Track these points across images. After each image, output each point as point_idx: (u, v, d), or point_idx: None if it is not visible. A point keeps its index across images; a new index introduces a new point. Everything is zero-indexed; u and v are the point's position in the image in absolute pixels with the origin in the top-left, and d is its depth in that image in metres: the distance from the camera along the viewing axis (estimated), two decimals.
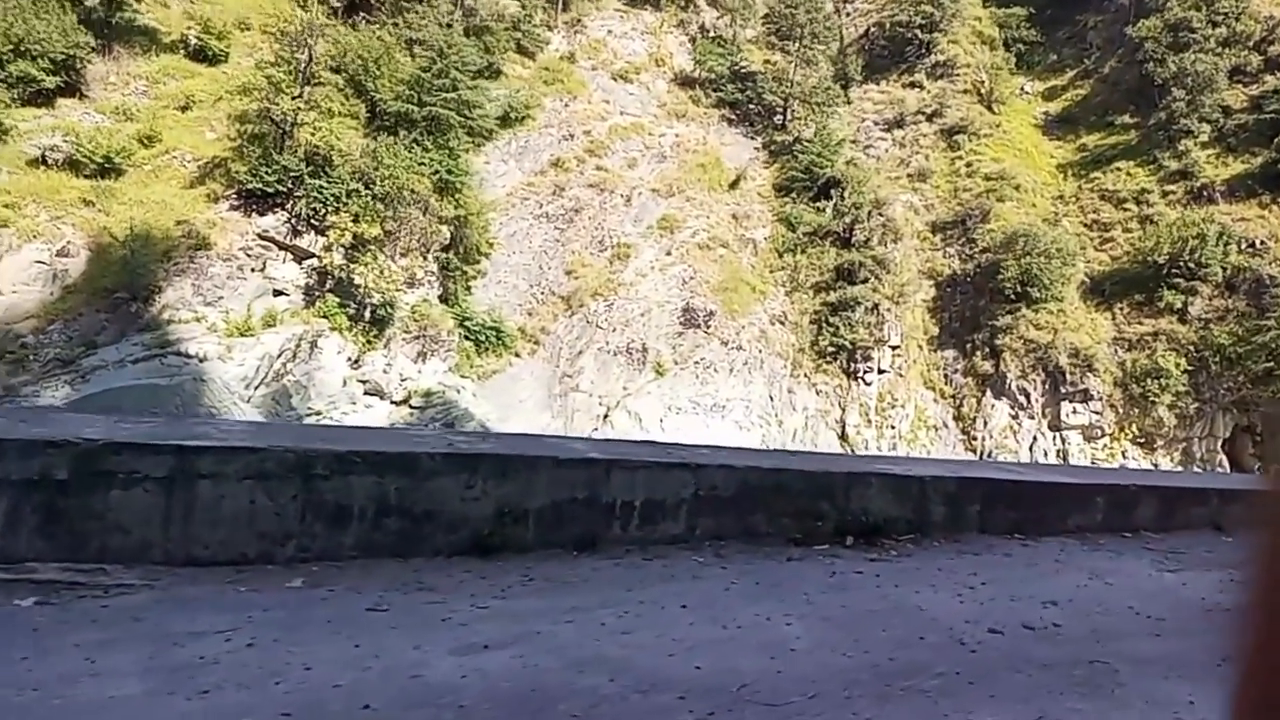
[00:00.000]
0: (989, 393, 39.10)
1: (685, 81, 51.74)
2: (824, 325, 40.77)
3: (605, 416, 36.27)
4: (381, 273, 34.21)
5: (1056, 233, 41.54)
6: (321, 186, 33.57)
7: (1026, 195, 45.65)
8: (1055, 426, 37.86)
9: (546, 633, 4.00)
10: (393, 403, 33.48)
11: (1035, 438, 37.82)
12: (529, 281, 39.66)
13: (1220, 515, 8.02)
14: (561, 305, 38.99)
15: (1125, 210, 43.88)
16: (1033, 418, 38.22)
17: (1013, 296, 39.84)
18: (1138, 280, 40.01)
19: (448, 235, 37.12)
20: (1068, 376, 38.03)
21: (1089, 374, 37.93)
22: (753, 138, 50.29)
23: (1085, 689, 4.08)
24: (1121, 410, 37.55)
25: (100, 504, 4.05)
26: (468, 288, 38.12)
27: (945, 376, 40.59)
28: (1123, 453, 36.68)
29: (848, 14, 60.88)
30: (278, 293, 33.00)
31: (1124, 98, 49.98)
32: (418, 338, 34.92)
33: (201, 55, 38.44)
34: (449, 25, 43.61)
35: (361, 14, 43.43)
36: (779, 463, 6.20)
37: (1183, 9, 48.73)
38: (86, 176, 31.60)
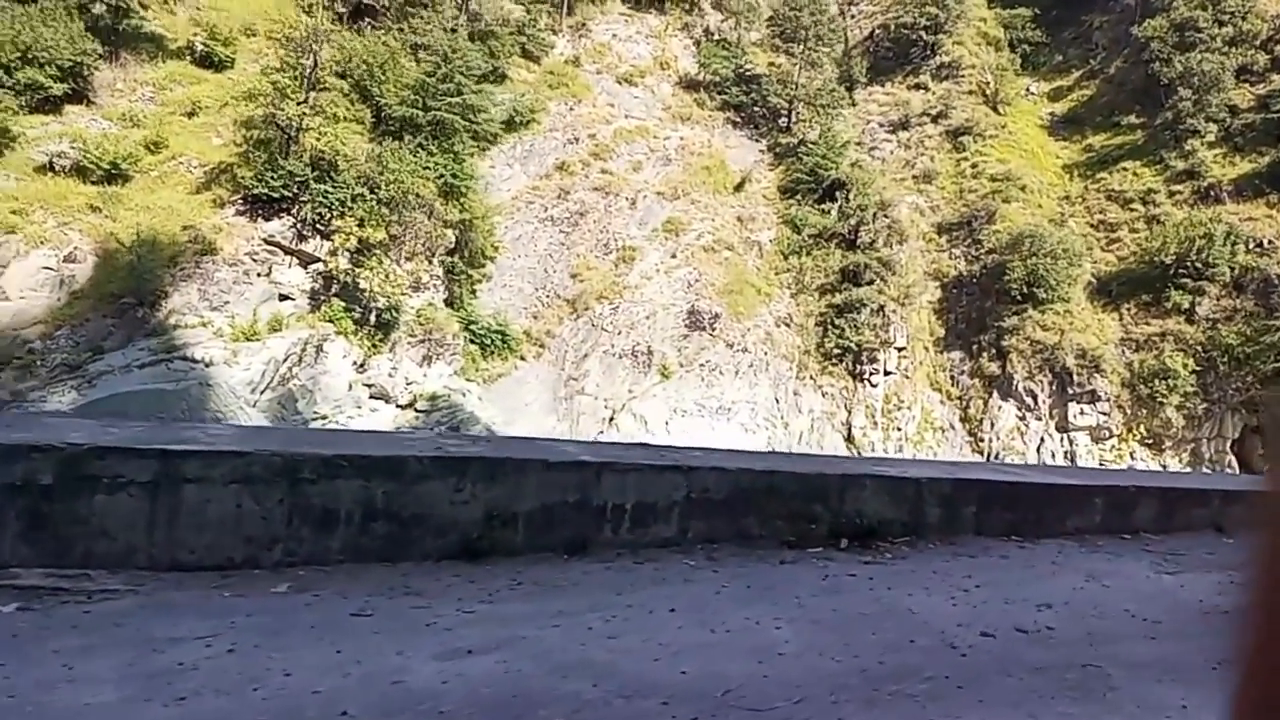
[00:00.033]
0: (996, 394, 38.94)
1: (690, 85, 51.74)
2: (829, 327, 40.66)
3: (611, 419, 36.24)
4: (387, 277, 34.26)
5: (1063, 233, 41.36)
6: (327, 191, 33.64)
7: (1032, 196, 45.48)
8: (1063, 428, 37.68)
9: (532, 637, 3.98)
10: (398, 406, 33.52)
11: (1043, 439, 37.64)
12: (534, 285, 39.69)
13: (1222, 516, 7.95)
14: (566, 308, 38.99)
15: (1132, 210, 43.68)
16: (1040, 419, 38.04)
17: (1019, 297, 39.67)
18: (1145, 281, 39.80)
19: (453, 239, 37.17)
20: (1075, 378, 37.84)
21: (1096, 375, 37.74)
22: (757, 140, 50.26)
23: (1076, 693, 4.03)
24: (1129, 411, 37.36)
25: (85, 509, 4.04)
26: (473, 291, 38.15)
27: (952, 378, 40.44)
28: (1130, 454, 36.48)
29: (852, 16, 60.80)
30: (283, 297, 33.08)
31: (1130, 98, 49.77)
32: (423, 341, 34.96)
33: (207, 61, 38.57)
34: (453, 30, 43.69)
35: (367, 19, 43.55)
36: (772, 465, 6.16)
37: (1189, 8, 48.48)
38: (93, 183, 31.72)
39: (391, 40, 41.12)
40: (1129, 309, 39.71)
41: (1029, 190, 45.51)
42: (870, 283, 41.07)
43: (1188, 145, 43.92)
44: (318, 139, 34.40)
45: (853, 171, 45.78)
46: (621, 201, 43.00)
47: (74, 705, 2.98)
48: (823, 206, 45.00)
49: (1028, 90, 54.34)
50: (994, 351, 39.86)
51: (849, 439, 38.23)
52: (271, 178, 32.96)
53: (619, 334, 38.29)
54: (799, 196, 45.86)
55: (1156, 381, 36.42)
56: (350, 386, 32.68)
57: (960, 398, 39.76)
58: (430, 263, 36.67)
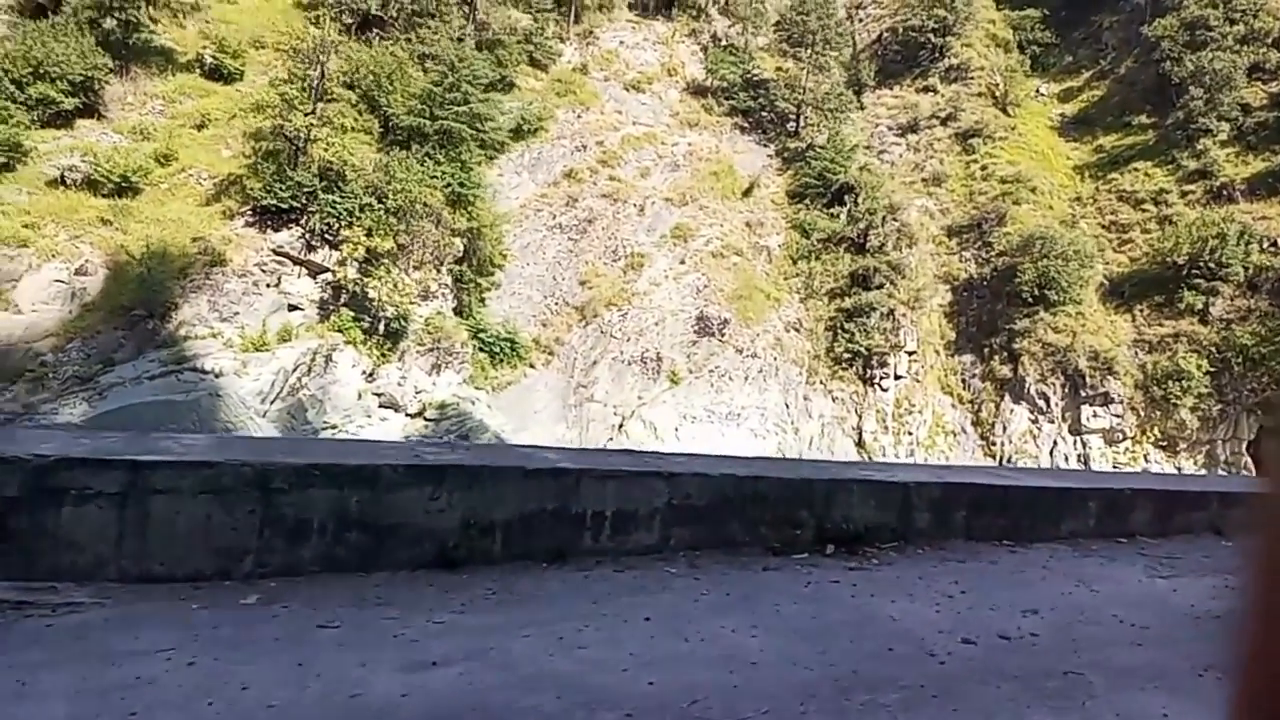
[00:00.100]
0: (1008, 397, 38.69)
1: (697, 90, 51.76)
2: (839, 331, 40.52)
3: (620, 426, 36.19)
4: (395, 286, 34.37)
5: (1074, 235, 41.11)
6: (335, 201, 33.82)
7: (1043, 198, 45.25)
8: (1076, 430, 37.39)
9: (500, 648, 3.92)
10: (408, 415, 33.59)
11: (1055, 442, 37.36)
12: (543, 292, 39.73)
13: (1220, 519, 7.82)
14: (575, 316, 39.00)
15: (1144, 211, 43.38)
16: (1053, 422, 37.76)
17: (1030, 300, 39.43)
18: (1157, 281, 39.51)
19: (461, 248, 37.26)
20: (1088, 380, 37.56)
21: (1109, 377, 37.45)
22: (765, 145, 50.21)
23: (1055, 701, 3.95)
24: (1143, 413, 37.04)
25: (52, 521, 4.02)
26: (482, 300, 38.23)
27: (963, 381, 40.21)
28: (1145, 456, 36.15)
29: (860, 19, 60.74)
30: (293, 307, 33.24)
31: (1141, 98, 49.49)
32: (432, 350, 35.03)
33: (217, 74, 38.88)
34: (461, 39, 43.88)
35: (374, 30, 43.76)
36: (757, 470, 6.09)
37: (1199, 7, 48.20)
38: (104, 196, 32.01)
39: (399, 50, 41.32)
40: (1142, 310, 39.41)
41: (1039, 192, 45.28)
42: (880, 286, 40.90)
43: (1200, 144, 43.61)
44: (326, 149, 34.60)
45: (861, 175, 45.66)
46: (630, 208, 43.02)
47: None
48: (831, 211, 44.89)
49: (1037, 91, 54.10)
50: (1005, 354, 39.62)
51: (860, 444, 38.04)
52: (280, 189, 33.16)
53: (628, 341, 38.25)
54: (807, 201, 45.77)
55: (1170, 383, 36.11)
56: (359, 396, 32.79)
57: (972, 401, 39.53)
58: (439, 271, 36.77)
